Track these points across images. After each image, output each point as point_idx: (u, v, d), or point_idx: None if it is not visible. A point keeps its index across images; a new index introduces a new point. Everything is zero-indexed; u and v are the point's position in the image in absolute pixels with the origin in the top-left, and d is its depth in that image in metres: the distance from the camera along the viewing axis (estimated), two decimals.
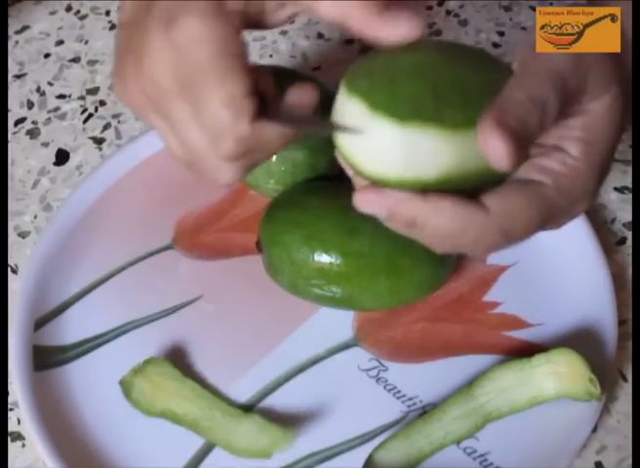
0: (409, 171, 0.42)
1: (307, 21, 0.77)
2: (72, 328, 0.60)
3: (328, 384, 0.58)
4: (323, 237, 0.55)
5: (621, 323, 0.59)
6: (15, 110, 0.72)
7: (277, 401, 0.57)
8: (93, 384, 0.58)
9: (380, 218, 0.45)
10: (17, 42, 0.76)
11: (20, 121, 0.71)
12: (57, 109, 0.72)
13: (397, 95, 0.42)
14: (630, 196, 0.66)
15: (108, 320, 0.60)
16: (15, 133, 0.71)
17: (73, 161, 0.69)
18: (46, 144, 0.70)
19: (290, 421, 0.56)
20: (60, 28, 0.77)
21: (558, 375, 0.55)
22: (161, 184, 0.66)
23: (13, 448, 0.57)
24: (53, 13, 0.78)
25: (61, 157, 0.69)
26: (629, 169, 0.67)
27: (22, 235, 0.65)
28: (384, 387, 0.58)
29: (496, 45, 0.76)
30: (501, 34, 0.76)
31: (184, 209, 0.65)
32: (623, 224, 0.65)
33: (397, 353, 0.59)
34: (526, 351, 0.57)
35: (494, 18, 0.78)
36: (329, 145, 0.56)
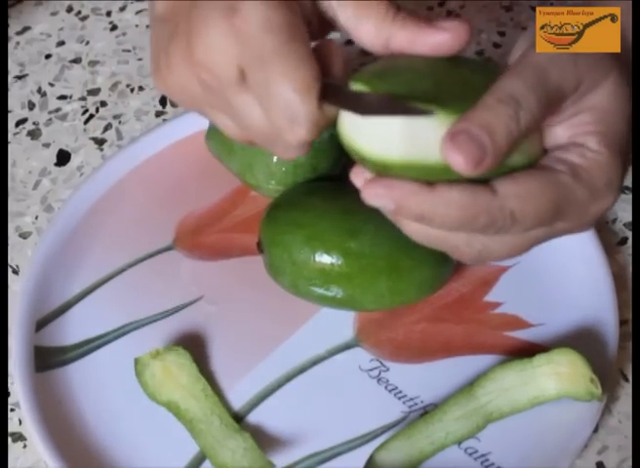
0: (412, 153, 0.41)
1: None
2: (73, 328, 0.60)
3: (329, 385, 0.58)
4: (324, 237, 0.55)
5: (623, 323, 0.59)
6: (16, 111, 0.72)
7: (278, 401, 0.57)
8: (94, 385, 0.58)
9: (388, 212, 0.44)
10: (17, 43, 0.76)
11: (21, 122, 0.71)
12: (58, 110, 0.72)
13: (399, 81, 0.42)
14: (631, 196, 0.66)
15: (109, 321, 0.60)
16: (16, 133, 0.71)
17: (74, 162, 0.69)
18: (47, 145, 0.70)
19: (290, 423, 0.56)
20: (60, 29, 0.77)
21: (559, 376, 0.55)
22: (162, 185, 0.66)
23: (14, 448, 0.57)
24: (54, 14, 0.78)
25: (62, 158, 0.69)
26: (630, 168, 0.67)
27: (24, 236, 0.65)
28: (385, 387, 0.58)
29: (496, 45, 0.76)
30: (502, 34, 0.76)
31: (185, 209, 0.65)
32: (624, 224, 0.65)
33: (398, 353, 0.59)
34: (527, 351, 0.57)
35: (494, 18, 0.78)
36: (330, 146, 0.57)
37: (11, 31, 0.77)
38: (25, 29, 0.77)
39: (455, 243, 0.45)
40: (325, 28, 0.46)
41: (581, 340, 0.58)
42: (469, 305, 0.61)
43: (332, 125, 0.44)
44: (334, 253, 0.55)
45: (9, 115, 0.72)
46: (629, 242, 0.64)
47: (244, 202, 0.65)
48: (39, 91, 0.73)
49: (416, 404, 0.57)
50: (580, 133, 0.44)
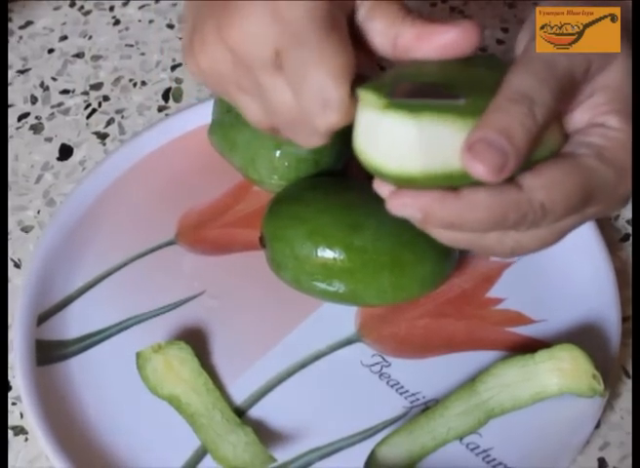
0: (432, 164, 0.41)
1: None
2: (75, 322, 0.60)
3: (331, 380, 0.58)
4: (326, 232, 0.55)
5: (625, 319, 0.59)
6: (18, 105, 0.72)
7: (280, 396, 0.57)
8: (95, 379, 0.58)
9: (416, 221, 0.43)
10: (20, 37, 0.76)
11: (23, 116, 0.71)
12: (60, 104, 0.72)
13: (405, 89, 0.42)
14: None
15: (111, 315, 0.60)
16: (18, 128, 0.71)
17: (77, 156, 0.69)
18: (49, 139, 0.70)
19: (291, 418, 0.56)
20: (63, 24, 0.77)
21: (561, 371, 0.55)
22: (164, 180, 0.66)
23: (16, 441, 0.57)
24: (57, 8, 0.78)
25: (65, 152, 0.69)
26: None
27: (26, 230, 0.65)
28: (387, 383, 0.58)
29: (500, 41, 0.76)
30: (505, 31, 0.76)
31: (188, 204, 0.65)
32: (627, 221, 0.65)
33: (400, 349, 0.59)
34: (529, 347, 0.57)
35: (498, 14, 0.77)
36: (333, 141, 0.56)
37: (14, 26, 0.77)
38: (28, 24, 0.77)
39: (487, 243, 0.44)
40: None
41: (584, 336, 0.58)
42: (471, 301, 0.61)
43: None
44: (336, 247, 0.55)
45: (11, 109, 0.72)
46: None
47: (246, 197, 0.65)
48: (42, 85, 0.73)
49: (417, 399, 0.57)
50: (598, 113, 0.43)
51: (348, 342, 0.59)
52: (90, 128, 0.71)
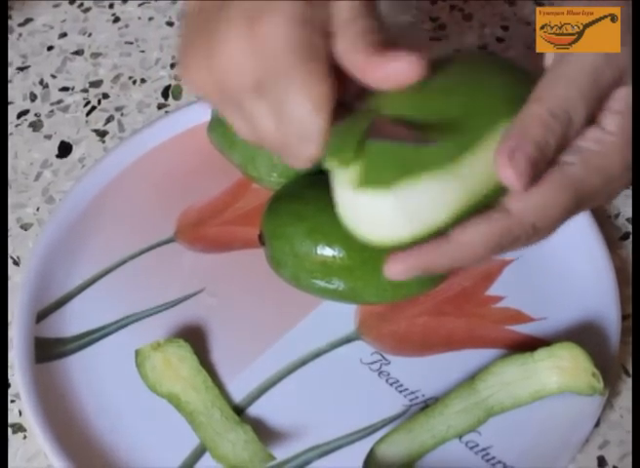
0: (420, 227, 0.41)
1: None
2: (74, 320, 0.60)
3: (330, 378, 0.58)
4: (326, 230, 0.55)
5: (625, 317, 0.59)
6: (18, 102, 0.72)
7: (279, 394, 0.57)
8: (94, 376, 0.58)
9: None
10: (20, 34, 0.76)
11: (22, 113, 0.71)
12: (60, 102, 0.72)
13: (372, 157, 0.41)
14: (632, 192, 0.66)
15: (110, 312, 0.60)
16: (18, 125, 0.71)
17: (76, 153, 0.69)
18: (49, 137, 0.70)
19: (291, 416, 0.56)
20: (63, 21, 0.77)
21: (561, 370, 0.55)
22: (164, 177, 0.66)
23: (14, 439, 0.57)
24: (56, 5, 0.78)
25: (64, 149, 0.69)
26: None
27: (25, 227, 0.65)
28: (387, 381, 0.58)
29: (500, 39, 0.75)
30: (505, 29, 0.76)
31: (187, 202, 0.65)
32: (627, 219, 0.65)
33: (400, 347, 0.59)
34: (529, 345, 0.57)
35: (498, 12, 0.77)
36: None
37: (13, 23, 0.76)
38: (28, 21, 0.77)
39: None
40: None
41: (583, 335, 0.58)
42: (471, 299, 0.61)
43: None
44: (335, 245, 0.55)
45: (11, 106, 0.71)
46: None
47: (246, 194, 0.65)
48: (41, 82, 0.73)
49: (417, 397, 0.57)
50: (604, 107, 0.43)
51: (348, 340, 0.59)
52: (89, 125, 0.71)
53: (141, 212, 0.65)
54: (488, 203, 0.42)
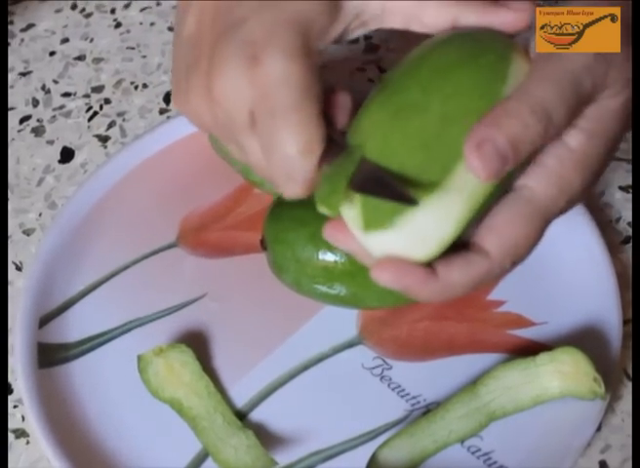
0: (433, 246, 0.42)
1: None
2: (77, 325, 0.60)
3: (332, 382, 0.58)
4: None
5: (626, 322, 0.59)
6: (20, 108, 0.72)
7: (281, 399, 0.57)
8: (97, 382, 0.58)
9: None
10: (22, 40, 0.76)
11: (25, 119, 0.71)
12: (62, 107, 0.72)
13: (368, 200, 0.42)
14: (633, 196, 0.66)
15: (113, 317, 0.60)
16: (20, 130, 0.71)
17: (78, 159, 0.69)
18: (51, 142, 0.70)
19: (293, 421, 0.56)
20: (65, 26, 0.77)
21: (562, 374, 0.55)
22: (166, 182, 0.66)
23: (17, 444, 0.57)
24: (58, 11, 0.78)
25: (66, 155, 0.70)
26: (630, 168, 0.67)
27: (27, 233, 0.66)
28: (388, 385, 0.58)
29: None
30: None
31: (189, 207, 0.65)
32: (628, 223, 0.65)
33: (401, 352, 0.59)
34: (530, 350, 0.57)
35: None
36: None
37: (15, 28, 0.77)
38: (30, 26, 0.77)
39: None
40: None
41: (585, 339, 0.58)
42: (472, 304, 0.61)
43: None
44: (337, 250, 0.55)
45: (13, 112, 0.72)
46: None
47: (247, 199, 0.65)
48: (43, 88, 0.73)
49: (418, 402, 0.57)
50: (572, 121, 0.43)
51: (349, 345, 0.59)
52: (91, 130, 0.71)
53: (144, 217, 0.65)
54: (500, 192, 0.43)
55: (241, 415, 0.56)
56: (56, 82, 0.74)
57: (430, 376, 0.58)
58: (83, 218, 0.64)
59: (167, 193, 0.66)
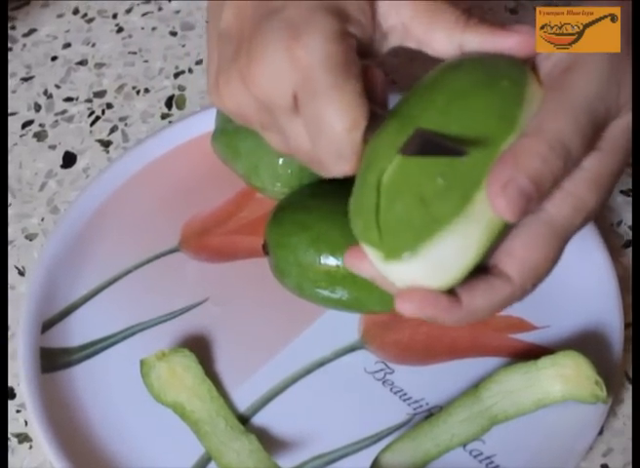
0: (455, 273, 0.42)
1: None
2: (79, 330, 0.60)
3: (334, 387, 0.58)
4: (330, 239, 0.56)
5: (628, 325, 0.59)
6: (22, 113, 0.72)
7: (284, 403, 0.57)
8: (100, 386, 0.58)
9: None
10: (24, 45, 0.76)
11: (27, 124, 0.72)
12: (64, 112, 0.72)
13: (388, 230, 0.42)
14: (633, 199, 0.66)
15: (115, 322, 0.60)
16: (22, 135, 0.71)
17: (80, 164, 0.69)
18: (53, 147, 0.70)
19: (295, 425, 0.56)
20: (67, 31, 0.77)
21: (564, 378, 0.55)
22: (168, 187, 0.66)
23: (20, 449, 0.57)
24: (60, 16, 0.78)
25: (69, 160, 0.70)
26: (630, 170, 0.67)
27: (30, 237, 0.66)
28: (391, 390, 0.58)
29: None
30: None
31: (191, 211, 0.65)
32: (629, 227, 0.65)
33: (403, 355, 0.59)
34: (532, 354, 0.57)
35: (500, 21, 0.77)
36: None
37: (17, 33, 0.77)
38: (32, 31, 0.77)
39: None
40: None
41: (586, 343, 0.58)
42: None
43: None
44: (339, 254, 0.55)
45: (15, 117, 0.72)
46: None
47: (249, 204, 0.65)
48: (45, 93, 0.73)
49: (421, 406, 0.57)
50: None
51: (352, 349, 0.59)
52: (93, 135, 0.71)
53: (146, 221, 0.65)
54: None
55: (243, 419, 0.56)
56: (58, 87, 0.74)
57: (432, 380, 0.58)
58: (85, 223, 0.64)
59: (169, 198, 0.66)
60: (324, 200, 0.58)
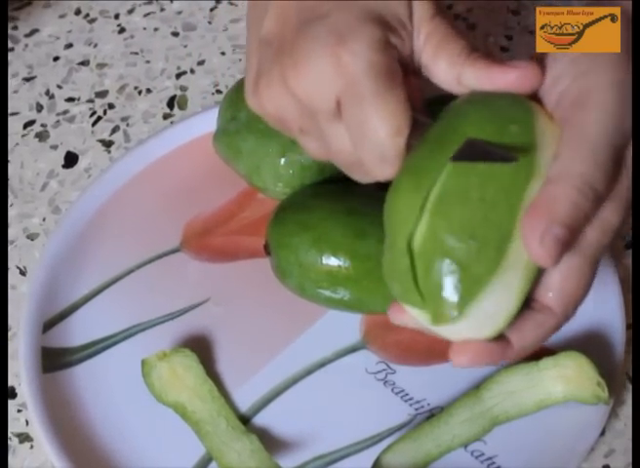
0: (498, 324, 0.43)
1: None
2: (80, 330, 0.60)
3: (335, 387, 0.58)
4: (331, 239, 0.56)
5: (630, 326, 0.59)
6: (24, 113, 0.72)
7: (285, 404, 0.57)
8: (101, 386, 0.58)
9: None
10: (26, 45, 0.76)
11: (29, 124, 0.72)
12: (66, 112, 0.72)
13: (431, 296, 0.43)
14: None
15: (116, 322, 0.60)
16: (24, 135, 0.71)
17: (82, 164, 0.69)
18: (55, 147, 0.70)
19: (296, 425, 0.56)
20: (69, 32, 0.77)
21: (566, 379, 0.55)
22: (169, 187, 0.66)
23: (21, 449, 0.57)
24: (62, 16, 0.78)
25: (70, 160, 0.70)
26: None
27: (31, 237, 0.66)
28: (392, 390, 0.58)
29: (504, 49, 0.76)
30: (510, 38, 0.76)
31: (193, 211, 0.65)
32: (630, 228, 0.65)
33: (405, 356, 0.59)
34: (533, 354, 0.57)
35: (502, 22, 0.78)
36: None
37: (19, 33, 0.77)
38: (34, 32, 0.77)
39: None
40: None
41: (588, 344, 0.58)
42: None
43: None
44: (341, 255, 0.55)
45: (17, 117, 0.72)
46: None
47: (251, 204, 0.65)
48: (47, 93, 0.73)
49: (422, 406, 0.57)
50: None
51: (353, 350, 0.59)
52: (95, 135, 0.71)
53: (147, 221, 0.65)
54: None
55: (245, 420, 0.56)
56: (60, 87, 0.74)
57: (434, 381, 0.58)
58: (87, 223, 0.64)
59: (170, 198, 0.66)
60: (326, 200, 0.58)
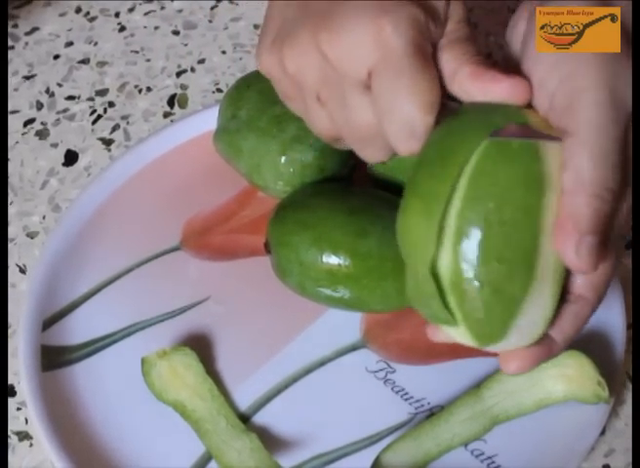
0: (539, 330, 0.45)
1: None
2: (80, 328, 0.60)
3: (335, 386, 0.58)
4: (331, 238, 0.55)
5: (630, 326, 0.59)
6: (24, 111, 0.72)
7: (285, 402, 0.57)
8: (100, 384, 0.58)
9: None
10: (26, 43, 0.76)
11: (29, 122, 0.72)
12: (66, 110, 0.72)
13: (472, 323, 0.44)
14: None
15: (116, 320, 0.60)
16: (24, 133, 0.71)
17: (82, 162, 0.69)
18: (55, 145, 0.70)
19: (296, 424, 0.56)
20: (69, 30, 0.77)
21: (566, 378, 0.55)
22: (169, 186, 0.66)
23: (21, 447, 0.57)
24: (62, 14, 0.78)
25: (70, 158, 0.70)
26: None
27: (31, 235, 0.66)
28: (392, 389, 0.58)
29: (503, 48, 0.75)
30: None
31: (193, 210, 0.65)
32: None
33: (405, 355, 0.59)
34: None
35: (503, 21, 0.77)
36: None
37: (20, 32, 0.77)
38: (34, 30, 0.77)
39: None
40: None
41: (589, 343, 0.58)
42: None
43: None
44: (341, 253, 0.55)
45: (17, 115, 0.72)
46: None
47: (251, 203, 0.65)
48: (47, 91, 0.73)
49: (422, 405, 0.57)
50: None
51: (353, 348, 0.59)
52: (95, 134, 0.71)
53: (147, 220, 0.65)
54: None
55: (244, 418, 0.56)
56: (60, 85, 0.74)
57: (434, 380, 0.58)
58: (87, 221, 0.64)
59: (170, 196, 0.66)
60: (326, 199, 0.58)
